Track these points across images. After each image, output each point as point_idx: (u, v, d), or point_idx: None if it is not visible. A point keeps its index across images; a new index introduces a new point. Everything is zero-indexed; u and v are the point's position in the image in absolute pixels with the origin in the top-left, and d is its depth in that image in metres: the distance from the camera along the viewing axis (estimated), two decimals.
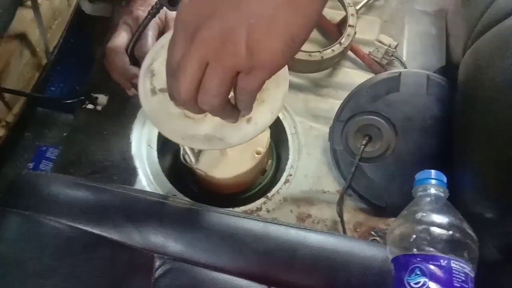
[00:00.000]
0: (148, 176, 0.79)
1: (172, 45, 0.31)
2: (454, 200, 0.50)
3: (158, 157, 0.81)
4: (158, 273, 0.49)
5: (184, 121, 0.46)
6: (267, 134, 0.68)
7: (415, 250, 0.45)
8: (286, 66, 0.45)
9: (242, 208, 0.78)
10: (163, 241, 0.51)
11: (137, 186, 0.77)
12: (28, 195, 0.52)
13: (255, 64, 0.27)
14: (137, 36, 0.59)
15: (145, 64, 0.49)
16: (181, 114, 0.46)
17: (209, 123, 0.45)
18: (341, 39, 0.85)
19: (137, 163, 0.79)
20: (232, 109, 0.36)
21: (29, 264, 0.46)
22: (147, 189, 0.77)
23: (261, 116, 0.45)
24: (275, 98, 0.46)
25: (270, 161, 0.87)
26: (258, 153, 0.69)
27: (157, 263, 0.50)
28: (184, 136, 0.46)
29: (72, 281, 0.45)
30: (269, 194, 0.80)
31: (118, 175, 0.77)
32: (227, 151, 0.68)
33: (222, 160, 0.68)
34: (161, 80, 0.48)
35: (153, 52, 0.49)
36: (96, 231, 0.49)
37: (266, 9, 0.26)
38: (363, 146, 0.76)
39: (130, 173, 0.78)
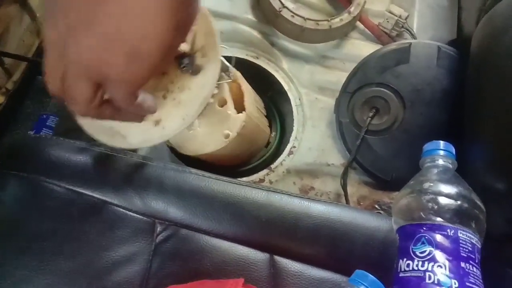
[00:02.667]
0: (150, 146, 0.78)
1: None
2: (463, 173, 0.48)
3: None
4: (159, 238, 0.49)
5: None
6: (241, 118, 0.60)
7: (421, 220, 0.44)
8: (218, 68, 0.41)
9: (245, 179, 0.77)
10: (164, 207, 0.50)
11: (139, 152, 0.76)
12: (28, 158, 0.52)
13: (107, 78, 0.29)
14: None
15: None
16: None
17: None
18: (350, 8, 0.82)
19: None
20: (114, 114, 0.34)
21: (28, 226, 0.46)
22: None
23: (172, 120, 0.41)
24: (193, 102, 0.41)
25: (274, 133, 0.85)
26: (226, 136, 0.60)
27: (158, 228, 0.49)
28: (91, 124, 0.43)
29: (71, 243, 0.45)
30: (272, 166, 0.79)
31: None
32: (197, 128, 0.61)
33: (191, 137, 0.62)
34: None
35: None
36: (96, 195, 0.49)
37: (107, 25, 0.27)
38: (369, 119, 0.74)
39: None
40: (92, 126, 0.43)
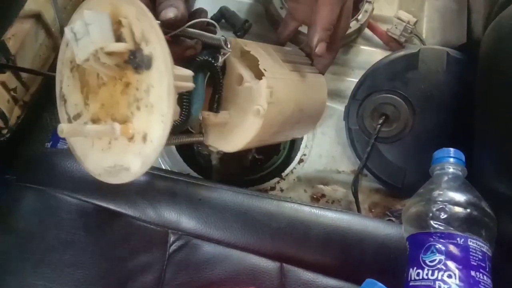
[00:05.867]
0: (161, 155, 0.79)
1: None
2: (473, 180, 0.48)
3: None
4: (172, 248, 0.50)
5: (97, 153, 0.41)
6: (262, 85, 0.50)
7: (431, 228, 0.44)
8: (165, 46, 0.36)
9: (256, 187, 0.78)
10: (177, 217, 0.51)
11: None
12: (44, 171, 0.53)
13: None
14: None
15: (57, 90, 0.45)
16: (92, 145, 0.41)
17: (114, 151, 0.40)
18: (358, 16, 0.82)
19: None
20: None
21: (45, 238, 0.47)
22: (161, 167, 0.77)
23: (154, 129, 0.37)
24: (162, 98, 0.36)
25: (283, 142, 0.86)
26: (257, 113, 0.50)
27: (171, 238, 0.50)
28: (101, 171, 0.41)
29: (87, 255, 0.46)
30: (283, 174, 0.80)
31: None
32: (228, 121, 0.53)
33: (227, 132, 0.54)
34: (72, 106, 0.43)
35: (58, 74, 0.44)
36: (111, 206, 0.50)
37: None
38: (379, 125, 0.74)
39: None
40: (97, 168, 0.41)
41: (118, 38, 0.37)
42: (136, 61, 0.37)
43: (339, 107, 0.83)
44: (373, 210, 0.76)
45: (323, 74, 0.62)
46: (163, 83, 0.35)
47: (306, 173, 0.80)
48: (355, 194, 0.76)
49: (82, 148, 0.43)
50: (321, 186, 0.79)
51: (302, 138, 0.82)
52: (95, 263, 0.46)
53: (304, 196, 0.79)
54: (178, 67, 0.37)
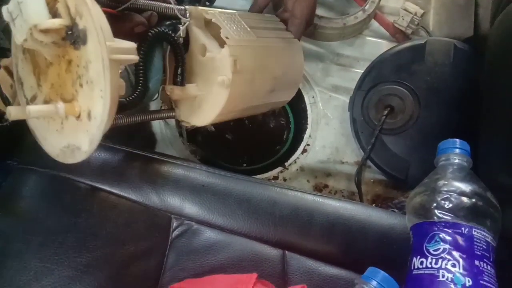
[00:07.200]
0: (166, 142, 0.79)
1: None
2: (478, 173, 0.48)
3: (176, 124, 0.81)
4: (175, 233, 0.50)
5: (53, 134, 0.41)
6: (225, 54, 0.47)
7: (435, 217, 0.44)
8: (98, 19, 0.34)
9: (259, 176, 0.78)
10: (180, 202, 0.51)
11: (156, 150, 0.78)
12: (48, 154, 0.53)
13: None
14: None
15: (14, 73, 0.44)
16: (48, 126, 0.41)
17: (66, 132, 0.39)
18: (365, 6, 0.82)
19: (156, 128, 0.80)
20: None
21: (49, 220, 0.47)
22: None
23: (96, 105, 0.36)
24: (99, 72, 0.35)
25: (288, 131, 0.86)
26: (222, 83, 0.48)
27: (174, 224, 0.50)
28: (58, 152, 0.41)
29: (90, 237, 0.46)
30: (286, 164, 0.80)
31: (138, 139, 0.78)
32: (197, 93, 0.50)
33: (198, 105, 0.52)
34: (28, 88, 0.43)
35: (14, 57, 0.43)
36: (114, 190, 0.50)
37: None
38: (384, 117, 0.74)
39: (149, 138, 0.78)
40: (54, 149, 0.41)
41: (54, 15, 0.35)
42: (73, 36, 0.36)
43: (344, 98, 0.82)
44: (376, 201, 0.76)
45: (298, 39, 0.60)
46: (98, 57, 0.34)
47: (309, 163, 0.80)
48: (358, 185, 0.76)
49: (40, 130, 0.42)
50: (324, 176, 0.79)
51: (306, 128, 0.82)
52: (98, 247, 0.46)
53: (307, 186, 0.78)
54: (119, 40, 0.36)
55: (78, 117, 0.37)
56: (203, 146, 0.83)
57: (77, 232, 0.47)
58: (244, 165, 0.84)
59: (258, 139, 0.87)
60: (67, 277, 0.44)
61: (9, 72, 0.90)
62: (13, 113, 0.35)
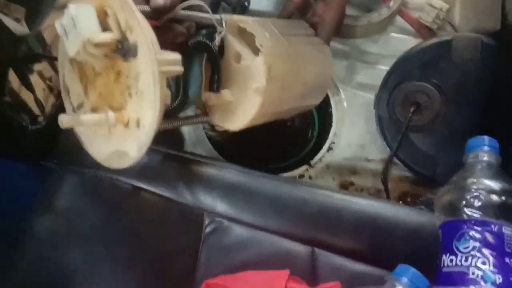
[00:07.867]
0: (193, 143, 0.81)
1: None
2: (507, 170, 0.48)
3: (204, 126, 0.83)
4: (207, 230, 0.52)
5: (99, 140, 0.43)
6: (259, 62, 0.49)
7: (464, 215, 0.44)
8: (148, 31, 0.36)
9: (285, 174, 0.79)
10: (212, 201, 0.53)
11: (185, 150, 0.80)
12: (84, 153, 0.55)
13: None
14: None
15: (60, 81, 0.46)
16: (95, 132, 0.43)
17: (114, 138, 0.41)
18: (390, 2, 0.81)
19: (184, 129, 0.82)
20: None
21: (89, 216, 0.50)
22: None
23: (145, 114, 0.38)
24: (149, 84, 0.37)
25: (311, 129, 0.87)
26: (256, 90, 0.50)
27: (206, 221, 0.52)
28: (105, 157, 0.43)
29: (129, 233, 0.49)
30: (312, 162, 0.80)
31: (166, 140, 0.80)
32: (230, 99, 0.52)
33: (231, 111, 0.53)
34: (75, 96, 0.45)
35: (60, 66, 0.46)
36: (151, 188, 0.52)
37: None
38: (410, 114, 0.74)
39: (177, 137, 0.80)
40: (100, 154, 0.43)
41: (105, 29, 0.37)
42: (123, 49, 0.38)
43: (369, 95, 0.82)
44: (403, 199, 0.76)
45: (328, 44, 0.61)
46: (149, 69, 0.36)
47: (335, 161, 0.80)
48: (385, 183, 0.76)
49: (86, 135, 0.45)
50: (350, 174, 0.80)
51: (331, 126, 0.83)
52: (136, 242, 0.49)
53: (333, 184, 0.79)
54: (165, 52, 0.37)
55: (127, 124, 0.39)
56: (229, 145, 0.85)
57: (117, 228, 0.49)
58: (270, 163, 0.85)
59: (283, 138, 0.88)
60: (109, 269, 0.46)
61: (42, 77, 0.94)
62: (65, 121, 0.38)
